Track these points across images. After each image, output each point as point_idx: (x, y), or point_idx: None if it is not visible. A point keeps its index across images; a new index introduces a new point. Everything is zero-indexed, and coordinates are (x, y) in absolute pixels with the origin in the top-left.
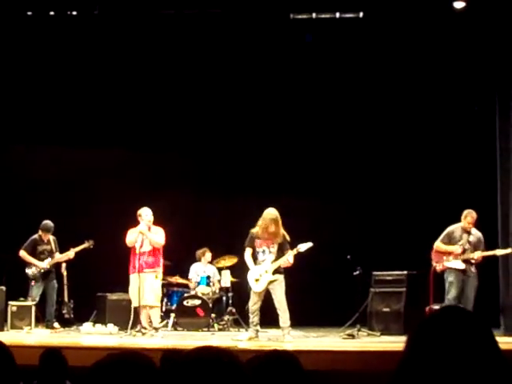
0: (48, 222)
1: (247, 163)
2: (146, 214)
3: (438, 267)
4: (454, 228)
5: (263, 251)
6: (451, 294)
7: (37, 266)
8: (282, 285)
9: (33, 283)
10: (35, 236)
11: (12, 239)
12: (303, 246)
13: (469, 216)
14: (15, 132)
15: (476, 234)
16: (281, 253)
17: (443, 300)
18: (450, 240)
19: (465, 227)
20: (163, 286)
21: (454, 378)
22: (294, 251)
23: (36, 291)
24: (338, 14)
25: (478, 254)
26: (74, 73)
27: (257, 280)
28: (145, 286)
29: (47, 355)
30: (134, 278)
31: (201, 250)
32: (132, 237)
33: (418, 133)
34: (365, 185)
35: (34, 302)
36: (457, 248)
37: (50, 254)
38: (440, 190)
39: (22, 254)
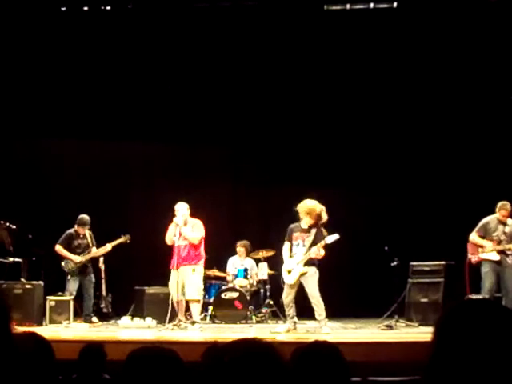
0: (84, 216)
1: (285, 155)
2: (177, 208)
3: (474, 259)
4: (490, 219)
5: (298, 244)
6: (486, 286)
7: (72, 261)
8: (314, 277)
9: (69, 277)
10: (71, 230)
11: (48, 234)
12: (329, 238)
13: (502, 209)
14: (50, 127)
15: None
16: (315, 245)
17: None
18: (486, 231)
19: (500, 219)
20: None
21: (478, 368)
22: (322, 243)
23: (73, 285)
24: (372, 5)
25: None
26: (106, 66)
27: (289, 272)
28: (184, 280)
29: (88, 350)
30: (173, 271)
31: (241, 242)
32: (169, 232)
33: (453, 123)
34: (402, 176)
35: (72, 297)
36: (490, 244)
37: (86, 248)
38: (476, 179)
39: (58, 248)
